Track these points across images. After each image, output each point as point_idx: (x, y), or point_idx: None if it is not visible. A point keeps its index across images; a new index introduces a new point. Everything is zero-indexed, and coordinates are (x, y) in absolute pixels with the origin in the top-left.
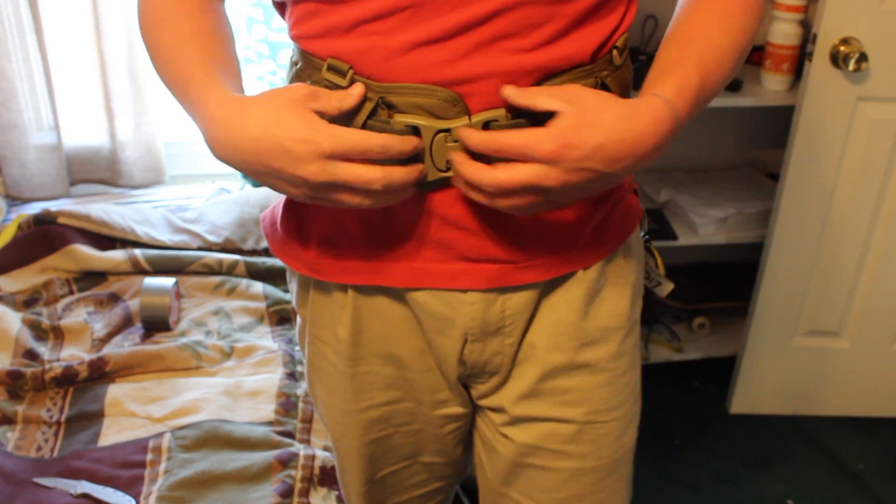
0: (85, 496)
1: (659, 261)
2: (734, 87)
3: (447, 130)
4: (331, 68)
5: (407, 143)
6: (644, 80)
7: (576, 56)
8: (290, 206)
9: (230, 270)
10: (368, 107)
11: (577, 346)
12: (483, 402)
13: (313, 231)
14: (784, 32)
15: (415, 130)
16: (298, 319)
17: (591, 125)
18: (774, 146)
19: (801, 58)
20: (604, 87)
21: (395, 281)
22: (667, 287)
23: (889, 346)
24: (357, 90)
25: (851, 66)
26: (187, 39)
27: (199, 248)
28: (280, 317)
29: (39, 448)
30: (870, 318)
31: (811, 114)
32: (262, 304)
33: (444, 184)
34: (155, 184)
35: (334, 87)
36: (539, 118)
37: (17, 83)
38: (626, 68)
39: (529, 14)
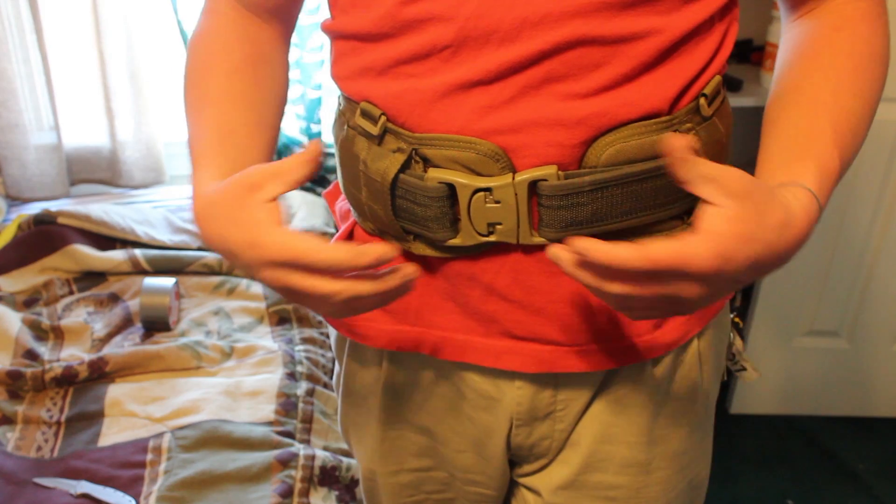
0: (85, 496)
1: (740, 342)
2: (734, 87)
3: (488, 189)
4: (364, 113)
5: (362, 257)
6: (766, 150)
7: (645, 104)
8: None
9: (230, 270)
10: (400, 158)
11: (634, 442)
12: (522, 481)
13: None
14: None
15: (450, 188)
16: (336, 366)
17: (753, 236)
18: None
19: None
20: None
21: (433, 351)
22: (751, 375)
23: (889, 346)
24: (314, 149)
25: None
26: (212, 103)
27: (199, 248)
28: (280, 317)
29: (39, 448)
30: (870, 318)
31: None
32: (262, 305)
33: (486, 249)
34: (155, 184)
35: (367, 134)
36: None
37: (17, 83)
38: (721, 118)
39: (586, 54)
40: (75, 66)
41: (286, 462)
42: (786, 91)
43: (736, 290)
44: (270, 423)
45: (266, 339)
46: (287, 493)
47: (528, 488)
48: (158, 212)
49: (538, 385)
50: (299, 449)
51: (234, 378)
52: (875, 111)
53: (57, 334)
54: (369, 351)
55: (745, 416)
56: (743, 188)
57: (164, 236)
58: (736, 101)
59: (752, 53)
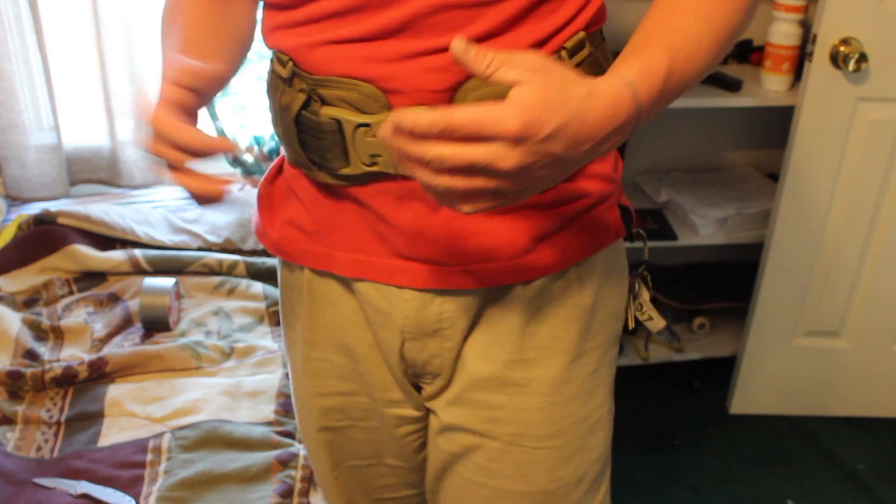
0: (85, 496)
1: (646, 293)
2: (734, 87)
3: (367, 125)
4: (277, 60)
5: (198, 143)
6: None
7: None
8: (263, 187)
9: (230, 271)
10: (302, 98)
11: (507, 360)
12: (428, 404)
13: (279, 213)
14: (784, 33)
15: (338, 123)
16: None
17: (557, 103)
18: (774, 146)
19: (801, 58)
20: None
21: (341, 269)
22: (658, 323)
23: (889, 346)
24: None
25: (851, 66)
26: (182, 24)
27: (199, 249)
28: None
29: (39, 448)
30: (870, 318)
31: (811, 114)
32: (261, 305)
33: (372, 178)
34: (155, 184)
35: (280, 77)
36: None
37: (17, 83)
38: (590, 68)
39: (452, 17)
40: (75, 66)
41: (286, 462)
42: (644, 19)
43: (567, 172)
44: (270, 423)
45: (266, 340)
46: (287, 493)
47: (433, 412)
48: (158, 212)
49: (424, 301)
50: (299, 449)
51: (233, 378)
52: (726, 41)
53: (57, 334)
54: (296, 271)
55: (745, 417)
56: (542, 64)
57: (164, 236)
58: (736, 101)
59: (751, 53)
